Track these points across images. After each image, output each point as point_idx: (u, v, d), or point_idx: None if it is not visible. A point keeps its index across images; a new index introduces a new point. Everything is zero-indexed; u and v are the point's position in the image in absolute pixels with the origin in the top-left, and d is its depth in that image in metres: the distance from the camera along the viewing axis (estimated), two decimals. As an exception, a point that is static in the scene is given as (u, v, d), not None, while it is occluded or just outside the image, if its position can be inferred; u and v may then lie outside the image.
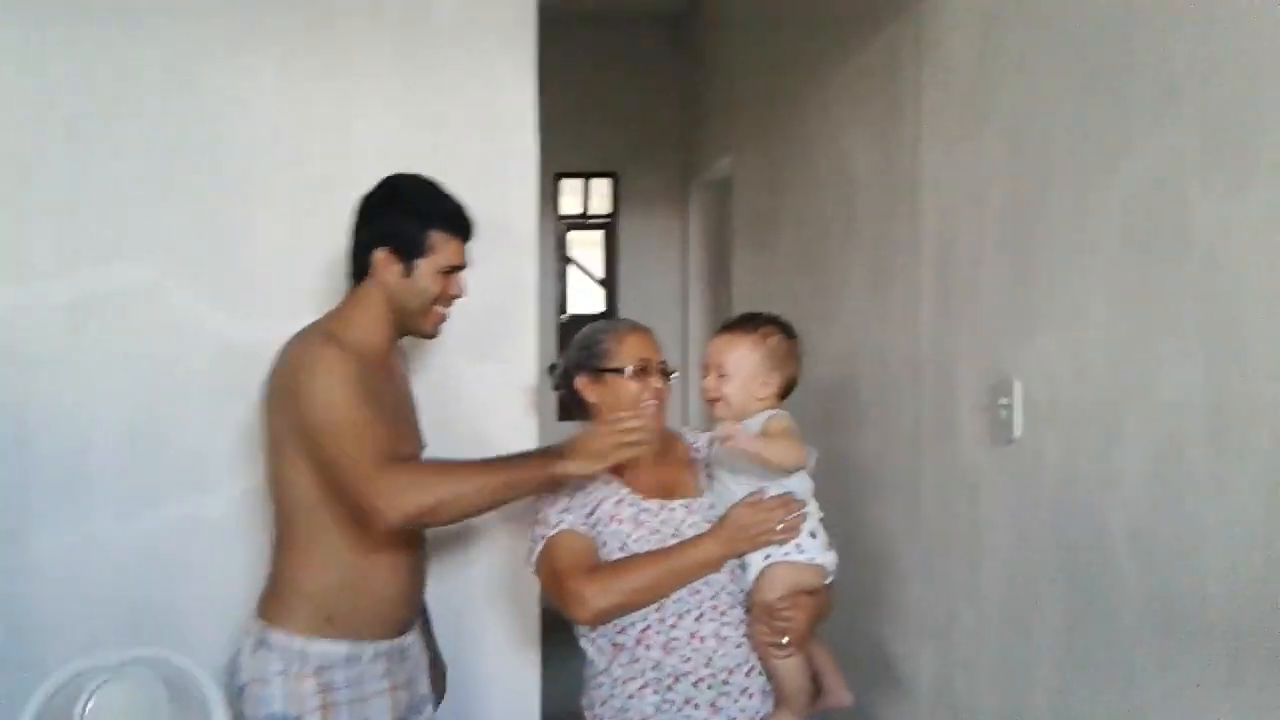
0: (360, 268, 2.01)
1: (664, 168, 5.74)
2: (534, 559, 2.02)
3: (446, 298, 2.04)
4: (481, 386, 2.48)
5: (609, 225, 5.75)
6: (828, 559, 2.01)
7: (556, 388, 2.21)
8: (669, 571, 1.95)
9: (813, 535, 2.00)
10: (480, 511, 1.95)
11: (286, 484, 1.95)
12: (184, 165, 2.40)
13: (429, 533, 2.12)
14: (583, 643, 2.06)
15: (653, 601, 1.96)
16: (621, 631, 1.98)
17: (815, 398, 3.24)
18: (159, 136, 2.41)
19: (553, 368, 2.23)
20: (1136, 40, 1.85)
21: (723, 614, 1.99)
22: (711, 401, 2.06)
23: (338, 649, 1.94)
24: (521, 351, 2.50)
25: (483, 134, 2.51)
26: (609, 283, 5.77)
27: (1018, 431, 2.24)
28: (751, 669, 2.00)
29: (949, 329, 2.59)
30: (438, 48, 2.50)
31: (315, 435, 1.86)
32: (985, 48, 2.41)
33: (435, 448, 2.42)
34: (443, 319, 2.06)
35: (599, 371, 2.09)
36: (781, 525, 1.95)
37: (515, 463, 1.93)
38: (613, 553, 1.99)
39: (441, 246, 1.99)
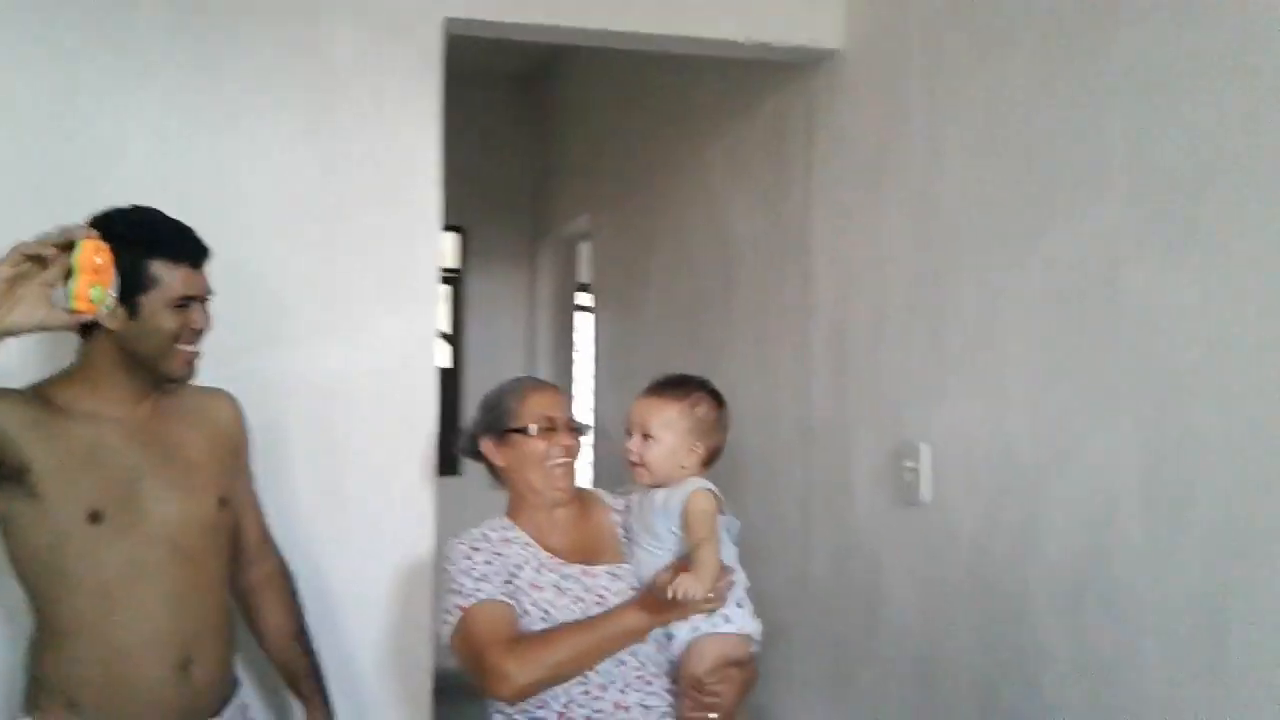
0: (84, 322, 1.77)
1: (513, 224, 5.66)
2: (447, 632, 1.91)
3: (189, 333, 1.80)
4: (378, 446, 2.35)
5: (455, 280, 5.64)
6: (755, 627, 1.97)
7: (463, 452, 2.11)
8: (595, 642, 1.86)
9: (739, 604, 1.96)
10: None
11: (13, 569, 1.77)
12: (54, 213, 2.15)
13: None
14: (497, 719, 1.96)
15: (578, 674, 1.87)
16: (542, 706, 1.88)
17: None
18: (25, 181, 2.17)
19: (458, 433, 2.13)
20: (1059, 111, 1.94)
21: (648, 684, 1.92)
22: (633, 465, 2.00)
23: None
24: (421, 409, 2.37)
25: (382, 184, 2.39)
26: (455, 338, 5.64)
27: (925, 495, 2.28)
28: (677, 740, 1.94)
29: (844, 394, 2.63)
30: (336, 91, 2.36)
31: None
32: (885, 122, 2.48)
33: (325, 513, 2.29)
34: (192, 358, 1.83)
35: (503, 433, 2.02)
36: (710, 594, 1.90)
37: None
38: (535, 622, 1.90)
39: (166, 277, 1.75)
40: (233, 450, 1.98)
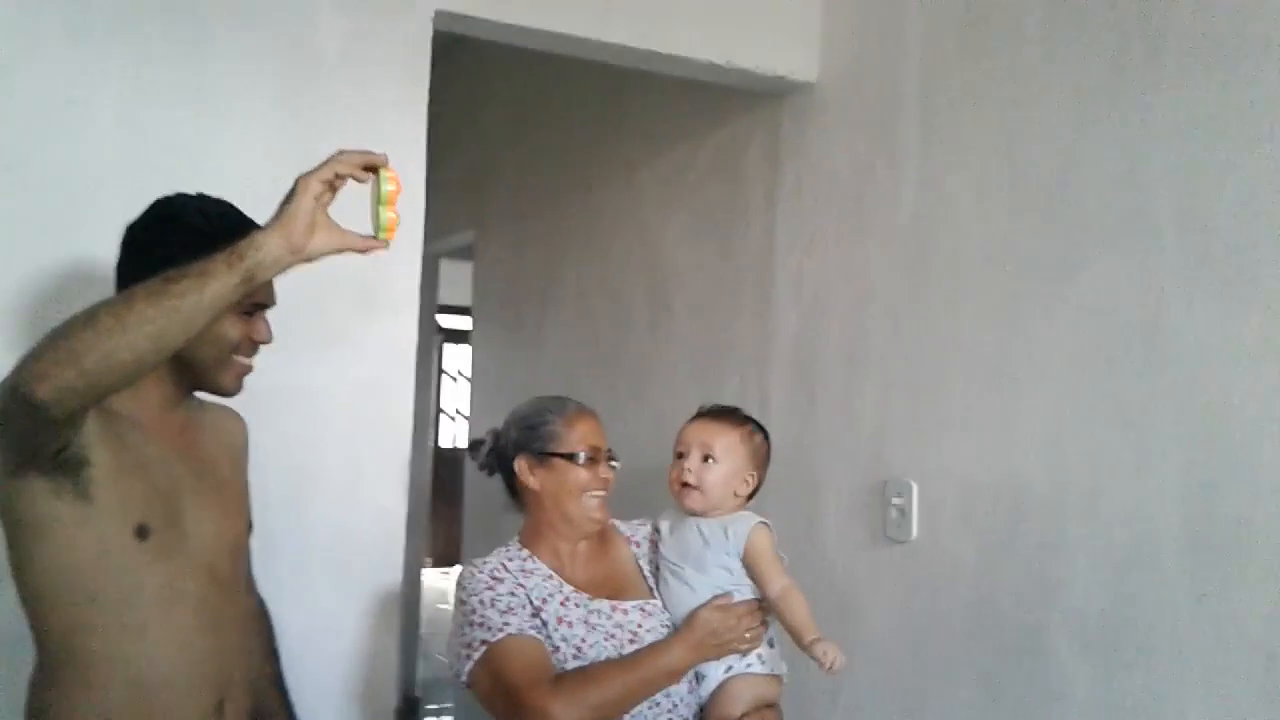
0: None
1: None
2: (469, 668, 1.74)
3: (249, 345, 1.61)
4: (350, 462, 2.14)
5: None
6: (784, 669, 1.90)
7: (486, 468, 1.95)
8: (639, 681, 1.75)
9: (771, 644, 1.89)
10: None
11: (25, 587, 1.49)
12: (7, 183, 1.90)
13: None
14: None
15: (620, 715, 1.75)
16: None
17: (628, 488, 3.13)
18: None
19: (475, 445, 1.97)
20: (1096, 155, 1.96)
21: (679, 726, 1.83)
22: (684, 487, 1.90)
23: None
24: (396, 426, 2.19)
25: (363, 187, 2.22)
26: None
27: (913, 532, 2.27)
28: (707, 782, 1.84)
29: (811, 430, 2.60)
30: (320, 81, 2.16)
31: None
32: (868, 156, 2.48)
33: (294, 528, 2.07)
34: (245, 372, 1.63)
35: (545, 455, 1.88)
36: (749, 633, 1.82)
37: None
38: (566, 660, 1.76)
39: None
40: (245, 472, 1.76)
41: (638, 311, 3.34)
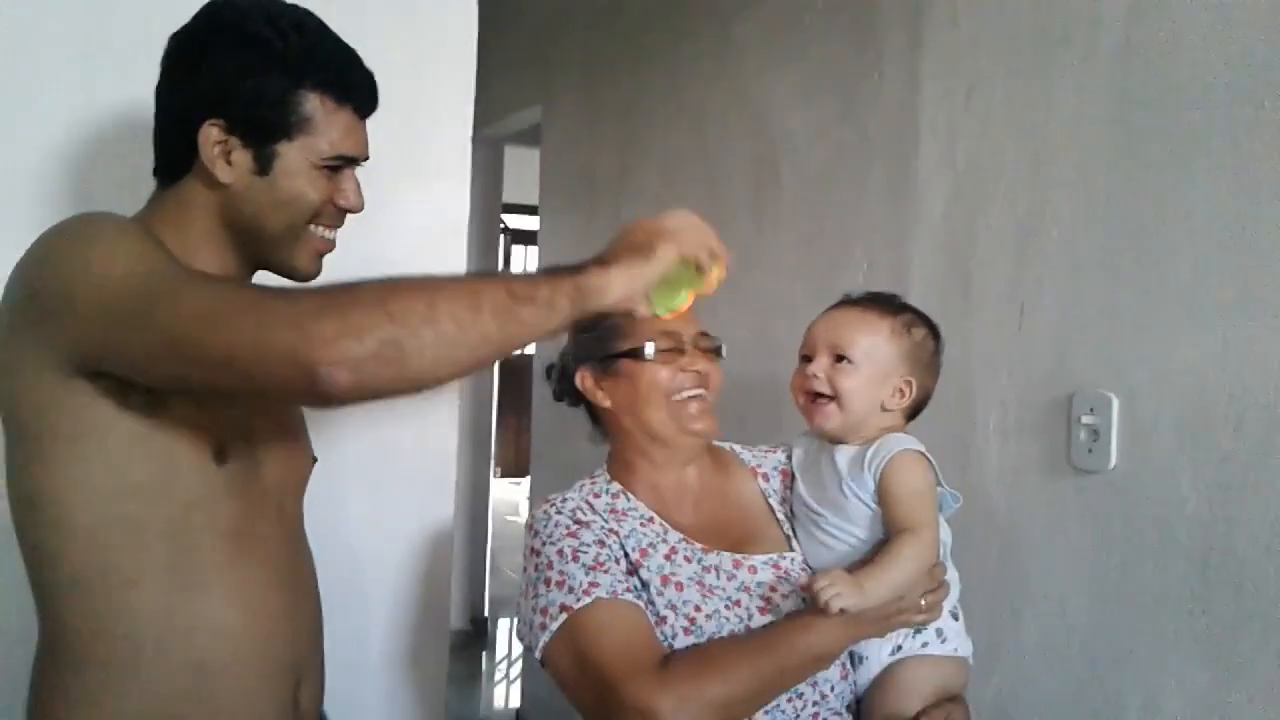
0: (173, 157, 1.15)
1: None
2: (544, 640, 1.28)
3: (333, 212, 1.19)
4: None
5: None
6: (968, 648, 1.41)
7: (559, 397, 1.48)
8: (777, 670, 1.27)
9: (955, 615, 1.40)
10: None
11: (43, 526, 1.07)
12: None
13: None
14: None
15: (751, 713, 1.28)
16: None
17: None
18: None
19: (549, 372, 1.50)
20: None
21: (829, 722, 1.35)
22: (815, 399, 1.40)
23: None
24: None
25: (407, 24, 1.73)
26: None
27: (1113, 460, 1.75)
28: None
29: (964, 327, 2.06)
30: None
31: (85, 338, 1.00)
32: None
33: (326, 450, 1.61)
34: (326, 249, 1.21)
35: (608, 359, 1.40)
36: (924, 600, 1.33)
37: None
38: (675, 634, 1.30)
39: (323, 121, 1.14)
40: None
41: (737, 189, 2.81)
